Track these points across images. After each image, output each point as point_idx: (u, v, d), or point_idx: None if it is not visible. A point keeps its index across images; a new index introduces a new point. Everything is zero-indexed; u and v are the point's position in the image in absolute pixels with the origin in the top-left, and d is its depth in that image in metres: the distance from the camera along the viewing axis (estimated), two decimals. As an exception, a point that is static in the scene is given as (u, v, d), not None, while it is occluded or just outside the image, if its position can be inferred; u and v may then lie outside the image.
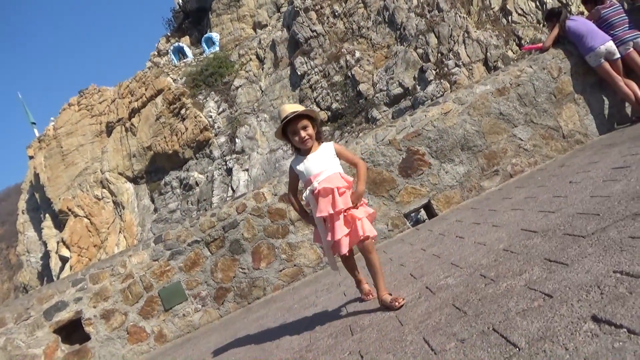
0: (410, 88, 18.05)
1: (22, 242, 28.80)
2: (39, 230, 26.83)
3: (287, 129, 2.78)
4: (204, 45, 27.11)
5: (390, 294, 2.63)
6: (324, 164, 2.74)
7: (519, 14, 18.07)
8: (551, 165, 4.80)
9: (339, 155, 2.84)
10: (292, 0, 23.99)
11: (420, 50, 18.49)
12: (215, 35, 26.78)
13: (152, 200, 23.48)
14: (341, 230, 2.65)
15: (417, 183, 5.24)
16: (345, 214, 2.68)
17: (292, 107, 2.78)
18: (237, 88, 22.77)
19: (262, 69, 23.30)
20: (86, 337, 5.18)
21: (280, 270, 5.35)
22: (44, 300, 5.13)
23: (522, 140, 5.21)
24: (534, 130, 5.23)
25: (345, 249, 2.67)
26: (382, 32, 20.29)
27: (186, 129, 22.07)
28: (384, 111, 18.34)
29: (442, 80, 17.38)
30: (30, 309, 5.06)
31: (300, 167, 2.81)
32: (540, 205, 3.26)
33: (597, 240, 2.07)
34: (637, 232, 1.95)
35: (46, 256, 25.36)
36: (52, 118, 26.63)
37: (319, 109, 19.80)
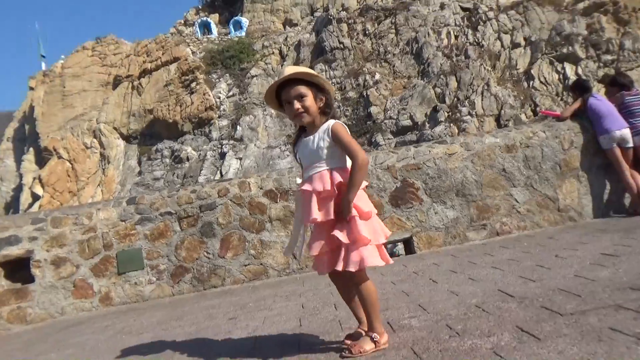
0: (419, 123, 18.08)
1: (-2, 169, 28.21)
2: (19, 161, 26.32)
3: (282, 96, 2.20)
4: (231, 27, 27.02)
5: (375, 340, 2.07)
6: (314, 154, 2.14)
7: (541, 82, 18.25)
8: (540, 235, 4.73)
9: (336, 141, 2.10)
10: (328, 8, 24.06)
11: (438, 90, 18.56)
12: (244, 20, 26.73)
13: (139, 163, 23.17)
14: (316, 246, 2.11)
15: (404, 215, 5.13)
16: (332, 228, 2.08)
17: (291, 68, 2.17)
18: (252, 77, 22.66)
19: (282, 66, 23.22)
20: (30, 279, 4.97)
21: (245, 265, 5.19)
22: (-2, 230, 4.92)
23: (517, 202, 5.14)
24: (531, 195, 5.17)
25: (321, 270, 2.20)
26: (407, 62, 20.38)
27: (192, 102, 21.87)
28: (388, 139, 18.33)
29: (452, 124, 17.44)
30: (-19, 236, 4.84)
31: (299, 155, 2.25)
32: (522, 271, 3.16)
33: (575, 322, 1.97)
34: (618, 325, 1.85)
35: (18, 189, 24.85)
36: (62, 56, 26.30)
37: (326, 119, 19.67)
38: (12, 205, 25.39)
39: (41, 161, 23.96)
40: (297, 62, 22.81)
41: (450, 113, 17.78)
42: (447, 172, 5.15)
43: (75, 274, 5.06)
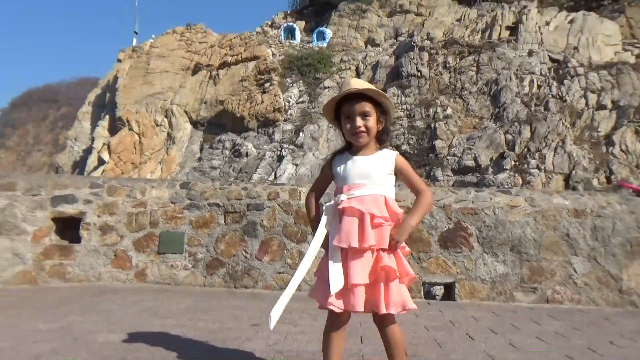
0: (483, 166, 17.51)
1: (75, 129, 30.07)
2: (94, 125, 27.91)
3: (342, 109, 2.03)
4: (314, 36, 27.48)
5: None
6: (370, 176, 1.99)
7: (622, 150, 17.19)
8: (594, 313, 4.36)
9: (400, 173, 2.04)
10: (413, 34, 23.96)
11: (509, 136, 17.93)
12: (328, 32, 27.11)
13: (201, 149, 23.90)
14: (361, 275, 1.88)
15: (450, 259, 4.90)
16: (379, 258, 1.92)
17: (357, 82, 2.02)
18: (324, 88, 22.89)
19: (356, 83, 23.26)
20: (76, 240, 5.15)
21: (280, 273, 5.13)
22: (58, 186, 5.15)
23: (575, 272, 4.78)
24: (592, 268, 4.79)
25: (358, 307, 1.88)
26: (482, 102, 19.86)
27: (262, 101, 22.36)
28: (448, 175, 17.87)
29: (516, 174, 16.76)
30: (42, 188, 5.08)
31: (340, 168, 2.06)
32: (570, 350, 2.89)
33: None
34: None
35: (88, 151, 26.31)
36: (153, 36, 27.71)
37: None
38: (79, 165, 26.91)
39: (113, 129, 25.26)
40: (371, 82, 22.80)
41: (517, 162, 17.11)
42: (506, 224, 4.88)
43: (118, 244, 5.20)
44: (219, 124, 23.90)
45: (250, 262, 5.17)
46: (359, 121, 1.97)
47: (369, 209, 1.93)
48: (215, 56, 25.39)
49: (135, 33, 31.69)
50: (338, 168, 2.07)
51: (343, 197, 1.98)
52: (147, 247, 5.24)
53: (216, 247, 5.24)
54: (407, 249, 2.02)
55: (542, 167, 16.68)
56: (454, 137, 18.92)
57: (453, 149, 18.46)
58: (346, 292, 1.90)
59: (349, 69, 23.86)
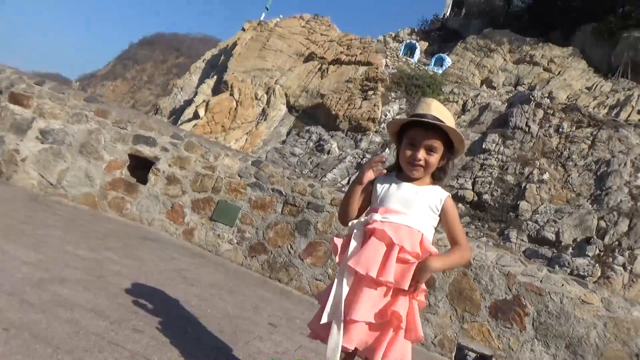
0: (562, 244, 16.23)
1: (184, 79, 31.92)
2: (201, 81, 29.44)
3: (409, 131, 1.82)
4: (433, 59, 27.00)
5: None
6: (412, 206, 1.79)
7: None
8: None
9: (444, 215, 1.81)
10: (535, 88, 22.77)
11: (602, 224, 16.46)
12: (448, 60, 26.49)
13: (288, 134, 24.36)
14: (366, 311, 1.65)
15: (496, 331, 4.48)
16: (394, 300, 1.69)
17: (438, 109, 1.80)
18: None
19: (459, 117, 22.61)
20: (143, 181, 5.32)
21: (317, 279, 4.98)
22: (144, 126, 5.34)
23: (633, 398, 4.17)
24: (655, 401, 4.15)
25: (347, 344, 1.65)
26: (584, 179, 18.41)
27: (360, 107, 22.33)
28: (522, 240, 16.76)
29: (597, 264, 15.33)
30: (130, 124, 5.30)
31: (382, 188, 1.85)
32: None
33: None
34: None
35: (188, 102, 27.77)
36: (280, 16, 28.62)
37: (470, 189, 18.73)
38: (177, 113, 28.49)
39: (216, 90, 26.44)
40: (474, 121, 22.00)
41: (602, 253, 15.66)
42: (570, 317, 4.37)
43: (178, 198, 5.30)
44: (312, 115, 24.21)
45: (292, 259, 5.06)
46: (422, 154, 1.77)
47: (402, 240, 1.70)
48: (331, 51, 25.72)
49: (267, 9, 32.93)
50: (380, 187, 1.86)
51: (377, 216, 1.77)
52: (203, 210, 5.30)
53: (265, 233, 5.19)
54: (424, 300, 1.79)
55: (629, 268, 15.13)
56: (542, 204, 17.70)
57: (537, 215, 17.28)
58: (347, 324, 1.67)
59: (455, 102, 23.18)
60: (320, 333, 1.79)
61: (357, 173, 1.94)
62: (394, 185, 1.84)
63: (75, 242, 3.53)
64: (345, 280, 1.75)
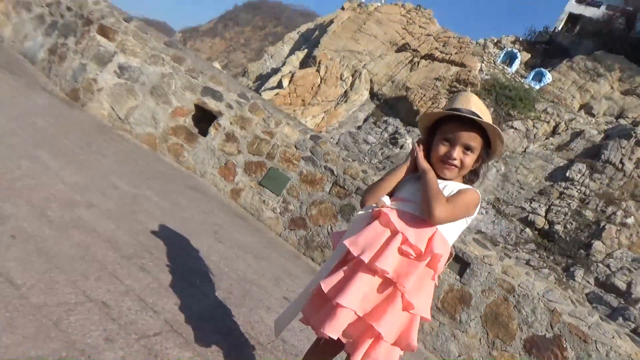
0: (632, 297, 14.86)
1: (277, 47, 32.45)
2: (292, 52, 29.77)
3: (443, 126, 1.62)
4: (532, 73, 25.44)
5: None
6: None
7: None
8: None
9: (454, 194, 1.57)
10: (638, 124, 20.82)
11: (684, 285, 14.86)
12: (549, 76, 24.83)
13: (365, 120, 24.12)
14: (356, 298, 1.45)
15: (525, 367, 4.12)
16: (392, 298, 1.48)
17: (477, 105, 1.61)
18: (511, 128, 21.22)
19: (546, 139, 21.25)
20: (204, 133, 5.40)
21: (349, 267, 4.83)
22: (214, 80, 5.39)
23: None
24: None
25: (330, 332, 1.45)
26: (674, 233, 16.65)
27: (437, 106, 21.55)
28: (587, 282, 15.55)
29: (666, 328, 13.89)
30: (201, 74, 5.36)
31: (406, 178, 1.67)
32: None
33: None
34: None
35: (275, 71, 28.22)
36: (382, 1, 28.10)
37: (542, 215, 17.61)
38: (262, 79, 29.08)
39: (304, 64, 26.61)
40: (562, 146, 20.56)
41: (675, 316, 14.17)
42: (614, 374, 3.92)
43: (233, 157, 5.33)
44: (393, 106, 23.74)
45: (330, 241, 4.94)
46: (458, 152, 1.58)
47: (406, 230, 1.49)
48: (426, 45, 24.95)
49: (369, -9, 32.39)
50: (406, 177, 1.69)
51: (386, 200, 1.59)
52: (254, 173, 5.29)
53: (309, 209, 5.09)
54: (429, 316, 1.53)
55: (703, 339, 13.59)
56: (619, 248, 16.28)
57: (610, 260, 15.92)
58: (334, 309, 1.47)
59: (547, 122, 21.74)
60: (310, 319, 1.63)
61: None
62: (414, 176, 1.65)
63: (120, 175, 3.62)
64: (334, 262, 1.58)
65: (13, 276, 1.62)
